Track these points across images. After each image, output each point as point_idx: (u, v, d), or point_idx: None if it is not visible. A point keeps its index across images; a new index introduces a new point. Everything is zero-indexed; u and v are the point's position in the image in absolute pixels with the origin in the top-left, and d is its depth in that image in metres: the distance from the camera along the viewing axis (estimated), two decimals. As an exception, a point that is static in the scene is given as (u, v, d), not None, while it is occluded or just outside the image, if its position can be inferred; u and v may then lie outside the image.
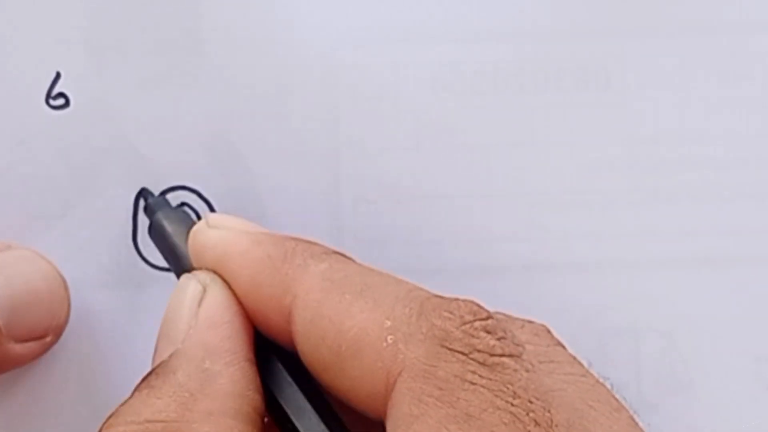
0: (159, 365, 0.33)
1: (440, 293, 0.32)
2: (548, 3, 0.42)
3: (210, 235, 0.35)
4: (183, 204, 0.43)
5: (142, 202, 0.42)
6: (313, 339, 0.32)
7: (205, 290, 0.34)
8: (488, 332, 0.31)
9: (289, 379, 0.34)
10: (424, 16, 0.42)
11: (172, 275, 0.42)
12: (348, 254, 0.35)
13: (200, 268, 0.35)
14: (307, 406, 0.33)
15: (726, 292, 0.42)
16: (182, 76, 0.42)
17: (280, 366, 0.34)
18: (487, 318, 0.31)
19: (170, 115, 0.42)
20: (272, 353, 0.34)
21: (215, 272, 0.35)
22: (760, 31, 0.42)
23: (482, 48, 0.42)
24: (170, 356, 0.33)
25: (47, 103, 0.42)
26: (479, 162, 0.42)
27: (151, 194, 0.42)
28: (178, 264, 0.38)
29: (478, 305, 0.32)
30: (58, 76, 0.42)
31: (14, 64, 0.42)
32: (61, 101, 0.42)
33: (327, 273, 0.33)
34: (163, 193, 0.43)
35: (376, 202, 0.42)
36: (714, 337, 0.43)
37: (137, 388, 0.33)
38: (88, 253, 0.43)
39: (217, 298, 0.34)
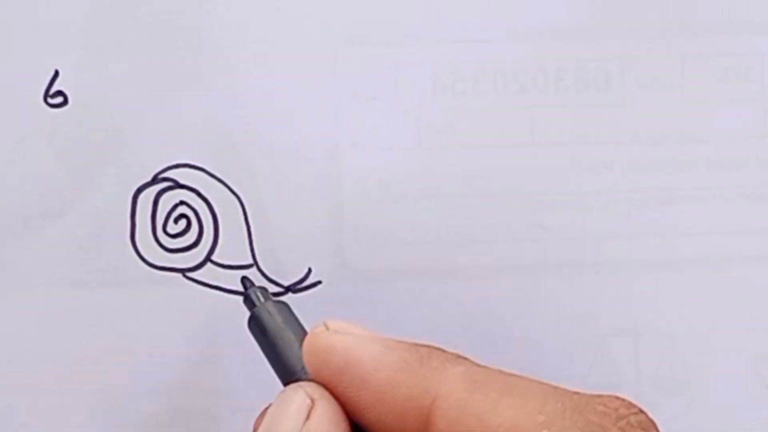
0: None
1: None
2: (548, 3, 0.42)
3: (335, 340, 0.35)
4: (182, 203, 0.43)
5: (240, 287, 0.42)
6: None
7: (313, 403, 0.34)
8: (643, 429, 0.32)
9: None
10: (424, 16, 0.42)
11: (171, 275, 0.42)
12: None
13: (314, 370, 0.35)
14: None
15: (726, 292, 0.42)
16: (182, 75, 0.42)
17: None
18: (639, 413, 0.32)
19: (169, 114, 0.42)
20: None
21: (331, 378, 0.35)
22: (760, 31, 0.42)
23: (482, 48, 0.42)
24: None
25: (45, 101, 0.42)
26: (479, 162, 0.42)
27: (252, 283, 0.42)
28: (281, 363, 0.38)
29: (629, 401, 0.32)
30: (56, 74, 0.42)
31: (12, 62, 0.42)
32: (59, 99, 0.42)
33: (467, 374, 0.33)
34: (162, 192, 0.42)
35: (376, 200, 0.42)
36: (714, 337, 0.43)
37: None
38: (86, 252, 0.43)
39: (328, 412, 0.34)
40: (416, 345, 0.35)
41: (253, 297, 0.40)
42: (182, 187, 0.43)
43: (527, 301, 0.42)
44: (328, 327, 0.35)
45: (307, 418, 0.34)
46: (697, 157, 0.42)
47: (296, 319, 0.39)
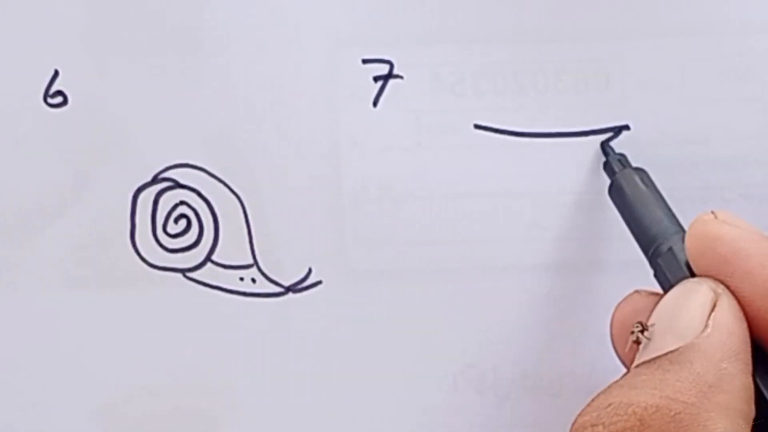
0: (671, 353, 0.33)
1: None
2: (548, 3, 0.42)
3: (724, 230, 0.35)
4: (182, 203, 0.43)
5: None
6: None
7: (717, 298, 0.34)
8: None
9: None
10: (424, 16, 0.42)
11: (171, 275, 0.42)
12: None
13: (696, 256, 0.35)
14: None
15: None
16: (182, 75, 0.42)
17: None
18: None
19: (169, 114, 0.42)
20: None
21: (714, 267, 0.35)
22: (760, 31, 0.42)
23: (482, 48, 0.42)
24: (682, 348, 0.33)
25: (45, 101, 0.42)
26: (479, 162, 0.42)
27: (612, 149, 0.42)
28: (642, 231, 0.38)
29: None
30: (56, 74, 0.42)
31: (12, 61, 0.42)
32: (59, 99, 0.42)
33: None
34: (162, 192, 0.42)
35: (376, 202, 0.42)
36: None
37: (645, 365, 0.34)
38: (86, 252, 0.43)
39: (733, 307, 0.34)
40: None
41: (614, 164, 0.41)
42: (182, 187, 0.43)
43: (527, 301, 0.42)
44: (717, 216, 0.35)
45: (712, 310, 0.34)
46: (697, 157, 0.42)
47: (656, 188, 0.40)
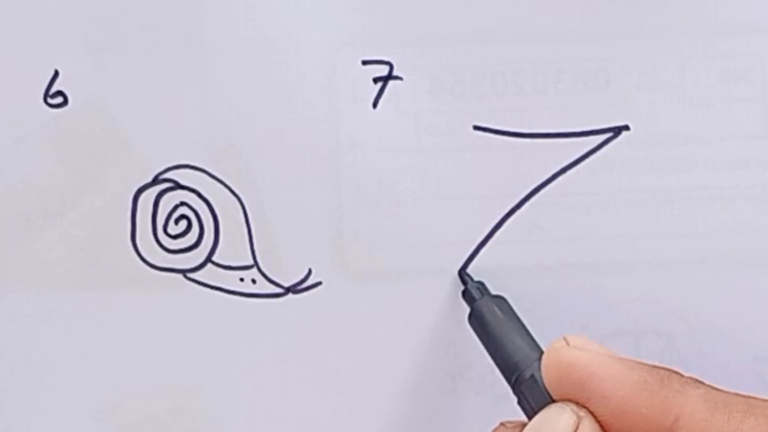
0: None
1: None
2: (548, 3, 0.42)
3: (576, 355, 0.35)
4: (183, 204, 0.43)
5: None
6: None
7: (580, 421, 0.35)
8: None
9: None
10: (424, 17, 0.42)
11: (171, 275, 0.42)
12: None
13: (552, 383, 0.36)
14: None
15: (726, 293, 0.42)
16: (182, 76, 0.42)
17: None
18: None
19: (169, 114, 0.42)
20: None
21: (570, 393, 0.36)
22: (760, 31, 0.42)
23: (482, 48, 0.42)
24: None
25: (45, 101, 0.42)
26: (479, 162, 0.42)
27: (470, 278, 0.42)
28: (503, 360, 0.39)
29: None
30: (56, 74, 0.42)
31: (12, 62, 0.42)
32: (59, 100, 0.42)
33: (708, 395, 0.35)
34: (163, 193, 0.43)
35: (376, 202, 0.42)
36: (713, 338, 0.43)
37: None
38: (86, 253, 0.43)
39: (595, 430, 0.35)
40: (655, 367, 0.36)
41: (473, 292, 0.41)
42: (183, 187, 0.43)
43: (527, 301, 0.42)
44: (569, 342, 0.36)
45: None
46: (697, 157, 0.42)
47: (515, 314, 0.40)
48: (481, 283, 0.42)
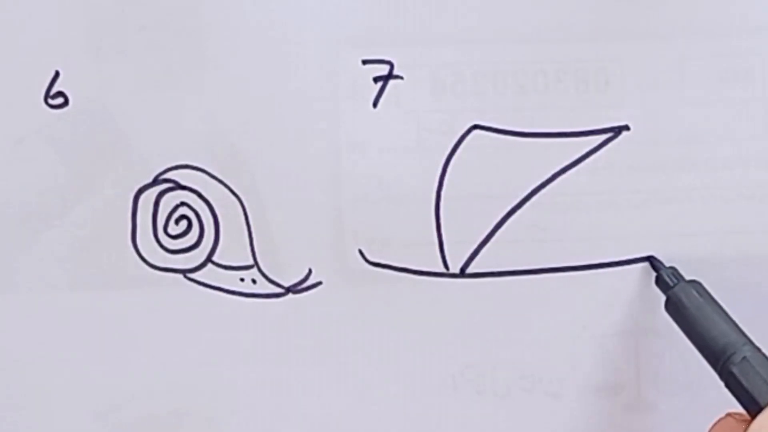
0: None
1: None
2: (548, 3, 0.42)
3: None
4: (183, 204, 0.43)
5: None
6: None
7: None
8: None
9: None
10: (424, 16, 0.42)
11: (172, 276, 0.42)
12: None
13: None
14: None
15: (725, 293, 0.42)
16: (182, 76, 0.42)
17: None
18: None
19: (170, 115, 0.42)
20: None
21: None
22: (760, 31, 0.42)
23: (482, 48, 0.42)
24: None
25: (46, 102, 0.42)
26: (479, 162, 0.42)
27: (662, 263, 0.42)
28: (708, 344, 0.39)
29: None
30: (57, 75, 0.42)
31: (13, 62, 0.42)
32: (59, 100, 0.42)
33: None
34: (163, 193, 0.43)
35: (376, 202, 0.42)
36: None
37: None
38: (87, 253, 0.43)
39: None
40: None
41: (667, 278, 0.41)
42: (183, 188, 0.43)
43: (527, 301, 0.42)
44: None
45: None
46: (697, 157, 0.42)
47: (713, 298, 0.40)
48: (674, 269, 0.42)
